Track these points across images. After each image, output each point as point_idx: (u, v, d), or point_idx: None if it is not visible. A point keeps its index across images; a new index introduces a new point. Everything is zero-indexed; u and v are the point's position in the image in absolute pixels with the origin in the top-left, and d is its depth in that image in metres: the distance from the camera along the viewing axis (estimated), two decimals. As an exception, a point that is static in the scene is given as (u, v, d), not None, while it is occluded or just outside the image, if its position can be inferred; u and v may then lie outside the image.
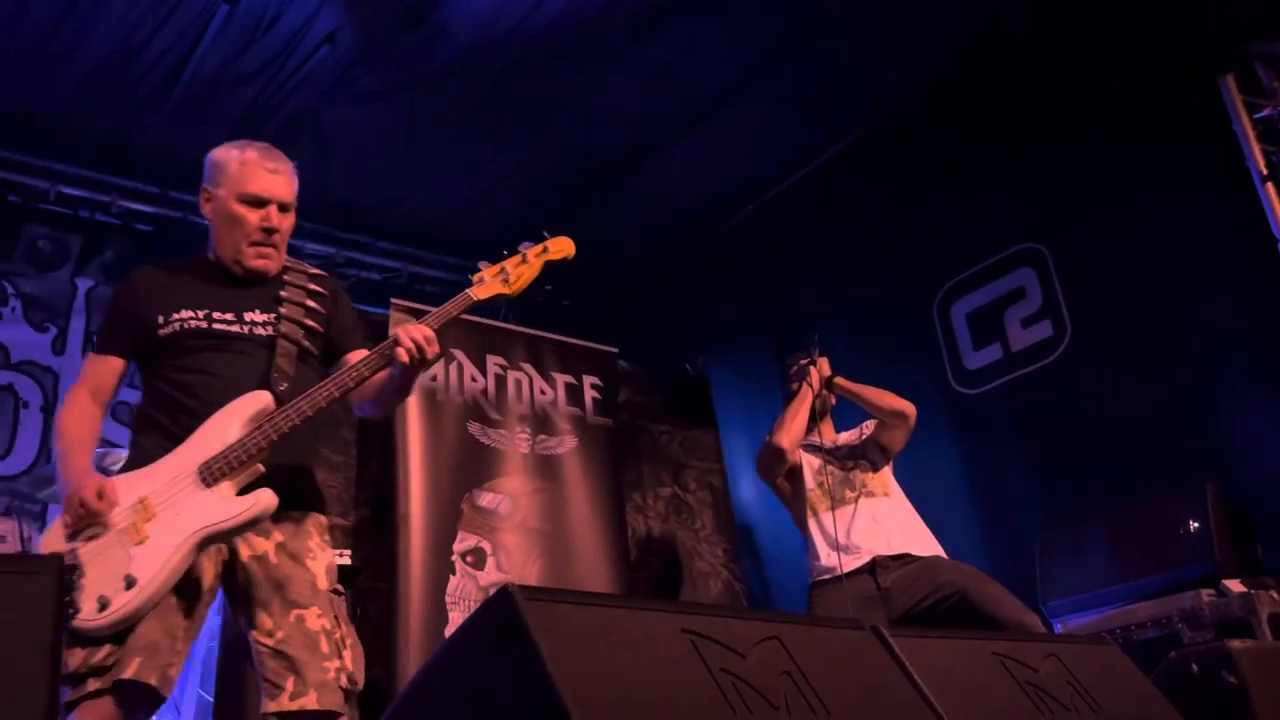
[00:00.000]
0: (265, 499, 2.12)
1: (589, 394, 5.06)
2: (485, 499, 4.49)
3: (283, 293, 2.42)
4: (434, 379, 4.55)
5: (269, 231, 2.37)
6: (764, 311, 5.83)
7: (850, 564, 3.55)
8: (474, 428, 4.59)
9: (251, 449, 2.13)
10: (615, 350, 5.34)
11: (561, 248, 2.45)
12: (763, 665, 1.55)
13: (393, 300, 4.55)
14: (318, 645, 2.13)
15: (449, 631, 4.15)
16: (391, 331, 2.22)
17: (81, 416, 2.30)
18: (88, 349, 4.77)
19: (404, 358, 2.18)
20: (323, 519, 2.37)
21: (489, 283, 2.35)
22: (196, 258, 2.47)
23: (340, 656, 2.15)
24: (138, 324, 2.32)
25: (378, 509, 4.38)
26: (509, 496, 4.57)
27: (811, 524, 3.74)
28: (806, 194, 5.70)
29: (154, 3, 4.45)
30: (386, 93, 5.11)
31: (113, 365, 2.35)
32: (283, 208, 2.40)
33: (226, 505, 2.10)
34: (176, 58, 4.76)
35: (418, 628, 4.07)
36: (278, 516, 2.19)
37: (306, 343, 2.39)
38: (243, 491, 2.14)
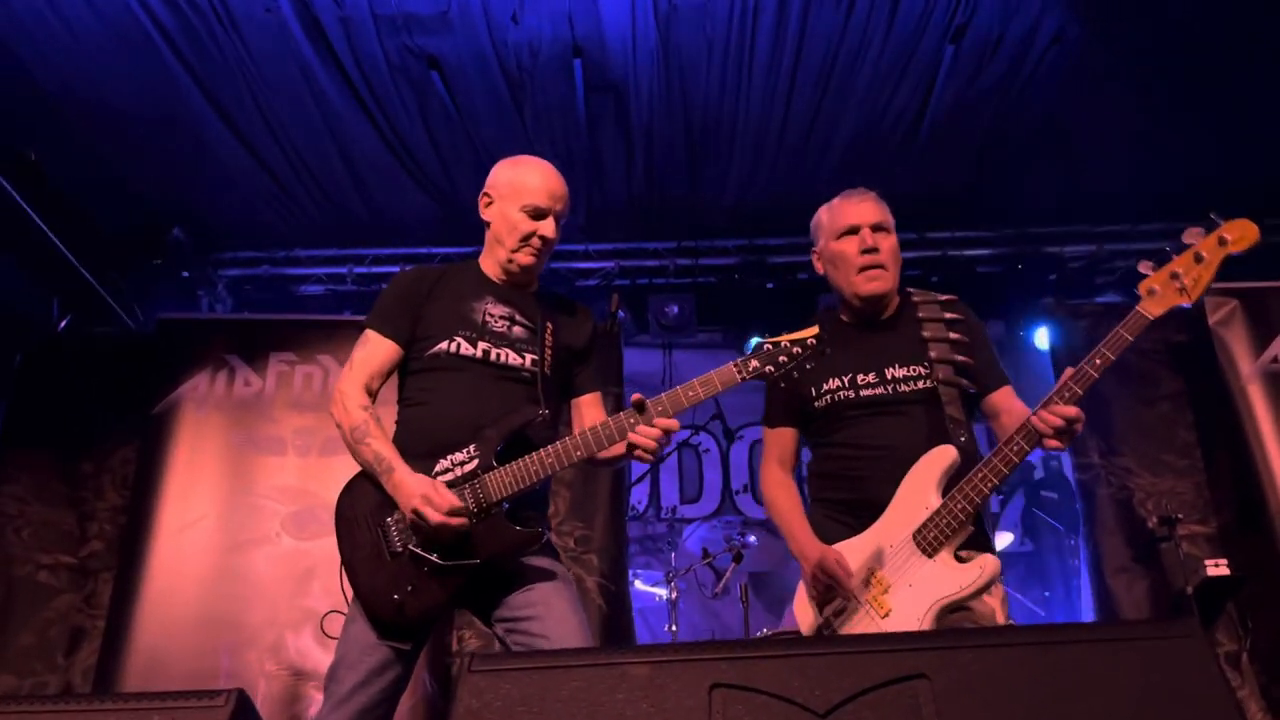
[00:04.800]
0: (990, 566, 2.07)
1: None
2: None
3: (924, 333, 2.29)
4: (1275, 359, 4.03)
5: (868, 251, 2.31)
6: None
7: None
8: (1337, 399, 3.95)
9: (960, 516, 2.08)
10: None
11: (1243, 234, 1.97)
12: None
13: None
14: None
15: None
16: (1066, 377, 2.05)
17: (780, 488, 2.42)
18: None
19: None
20: None
21: (1161, 293, 2.01)
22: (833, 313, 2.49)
23: None
24: (796, 399, 2.39)
25: (1242, 509, 3.97)
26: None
27: None
28: None
29: (889, 70, 4.77)
30: (1126, 65, 4.77)
31: (787, 435, 2.46)
32: (875, 228, 2.34)
33: (955, 576, 2.07)
34: (916, 108, 5.01)
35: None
36: None
37: (964, 381, 2.28)
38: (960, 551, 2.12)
